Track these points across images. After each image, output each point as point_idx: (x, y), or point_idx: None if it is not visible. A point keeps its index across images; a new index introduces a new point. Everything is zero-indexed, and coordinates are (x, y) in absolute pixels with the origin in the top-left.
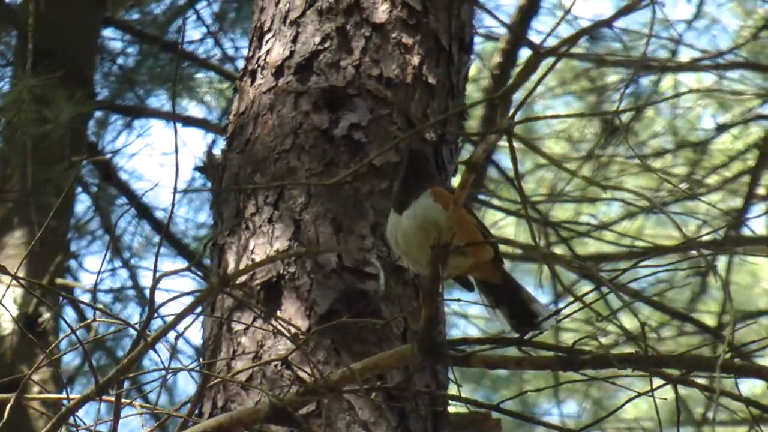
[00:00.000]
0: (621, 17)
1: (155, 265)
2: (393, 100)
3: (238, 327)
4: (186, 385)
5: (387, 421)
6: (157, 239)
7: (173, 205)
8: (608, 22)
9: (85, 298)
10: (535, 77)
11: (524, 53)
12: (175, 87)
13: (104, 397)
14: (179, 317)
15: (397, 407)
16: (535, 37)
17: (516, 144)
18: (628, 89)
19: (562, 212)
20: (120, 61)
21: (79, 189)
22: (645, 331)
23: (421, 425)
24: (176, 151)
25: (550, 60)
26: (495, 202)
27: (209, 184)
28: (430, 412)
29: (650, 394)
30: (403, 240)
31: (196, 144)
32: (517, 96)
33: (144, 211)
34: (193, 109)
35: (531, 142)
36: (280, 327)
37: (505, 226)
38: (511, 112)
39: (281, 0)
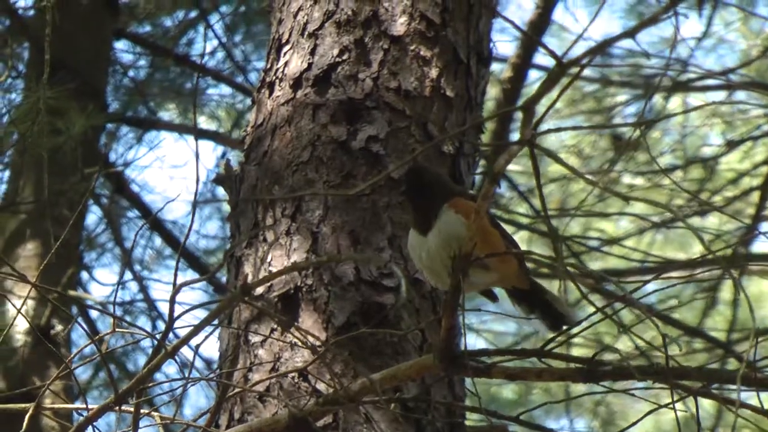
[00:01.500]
0: (644, 29)
1: (175, 276)
2: (411, 112)
3: (255, 339)
4: (197, 398)
5: None
6: (167, 251)
7: (193, 216)
8: (632, 34)
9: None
10: (552, 93)
11: (533, 74)
12: (195, 101)
13: (123, 408)
14: (199, 327)
15: (414, 419)
16: (541, 59)
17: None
18: (636, 108)
19: (571, 227)
20: (131, 73)
21: (90, 201)
22: (666, 343)
23: None
24: (196, 159)
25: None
26: (504, 215)
27: (225, 196)
28: (446, 424)
29: (671, 406)
30: (428, 257)
31: (207, 157)
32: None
33: (155, 224)
34: (204, 123)
35: (553, 152)
36: (297, 338)
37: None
38: (533, 123)
39: (299, 12)
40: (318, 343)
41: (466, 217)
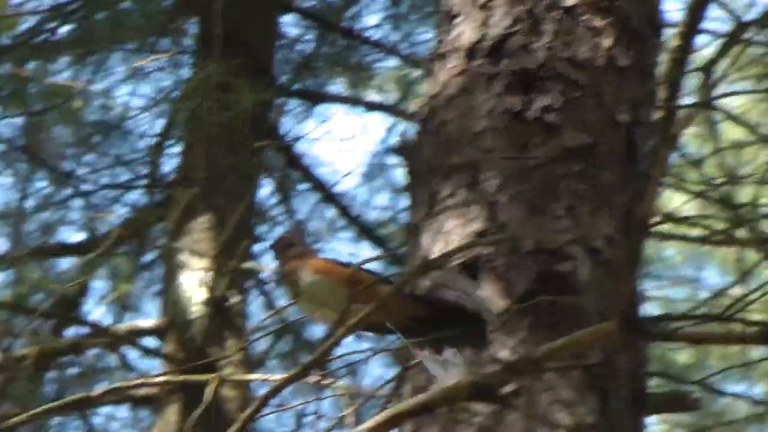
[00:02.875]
0: None
1: (354, 250)
2: (585, 82)
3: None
4: (371, 370)
5: (587, 402)
6: (339, 223)
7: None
8: None
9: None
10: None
11: (700, 40)
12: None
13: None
14: (387, 297)
15: (598, 387)
16: (710, 24)
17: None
18: None
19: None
20: (298, 47)
21: (262, 174)
22: None
23: (622, 405)
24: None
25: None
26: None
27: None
28: (630, 391)
29: None
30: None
31: (376, 129)
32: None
33: (327, 196)
34: (373, 95)
35: (732, 113)
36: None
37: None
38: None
39: None
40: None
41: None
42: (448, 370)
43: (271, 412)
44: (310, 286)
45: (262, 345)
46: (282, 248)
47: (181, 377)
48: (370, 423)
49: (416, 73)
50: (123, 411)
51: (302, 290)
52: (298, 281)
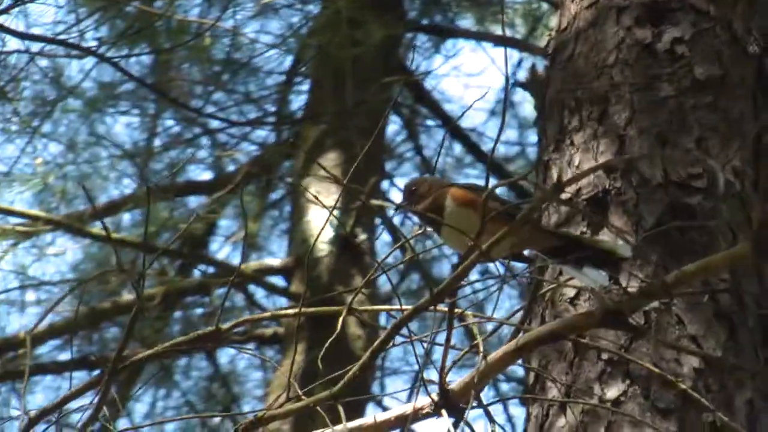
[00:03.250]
0: None
1: (487, 182)
2: (716, 13)
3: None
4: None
5: (716, 334)
6: (467, 159)
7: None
8: None
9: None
10: None
11: None
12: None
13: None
14: (516, 225)
15: (727, 319)
16: None
17: None
18: None
19: None
20: None
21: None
22: None
23: (749, 338)
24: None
25: None
26: None
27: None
28: (758, 318)
29: None
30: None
31: (504, 63)
32: None
33: (454, 131)
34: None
35: None
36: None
37: None
38: None
39: None
40: (630, 241)
41: (468, 205)
42: (591, 278)
43: (400, 343)
44: (451, 215)
45: (388, 283)
46: (418, 183)
47: (311, 309)
48: (499, 352)
49: (545, 6)
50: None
51: (446, 217)
52: (443, 208)
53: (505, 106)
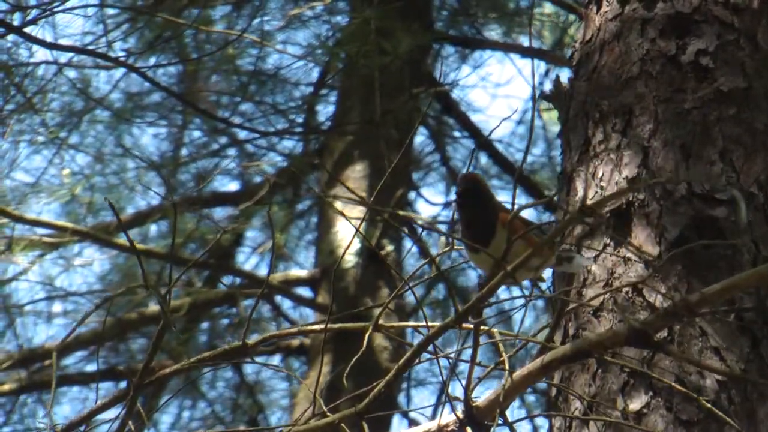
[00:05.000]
0: None
1: (513, 198)
2: (740, 25)
3: (588, 254)
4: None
5: (739, 347)
6: (493, 170)
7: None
8: None
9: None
10: None
11: None
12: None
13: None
14: (544, 245)
15: (750, 333)
16: None
17: None
18: None
19: None
20: None
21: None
22: None
23: None
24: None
25: None
26: None
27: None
28: None
29: None
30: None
31: (531, 74)
32: None
33: (480, 143)
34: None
35: None
36: (631, 252)
37: None
38: None
39: None
40: (651, 257)
41: (513, 231)
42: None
43: (426, 360)
44: (498, 243)
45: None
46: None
47: (337, 325)
48: (525, 370)
49: (572, 17)
50: (275, 362)
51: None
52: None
53: (532, 118)
